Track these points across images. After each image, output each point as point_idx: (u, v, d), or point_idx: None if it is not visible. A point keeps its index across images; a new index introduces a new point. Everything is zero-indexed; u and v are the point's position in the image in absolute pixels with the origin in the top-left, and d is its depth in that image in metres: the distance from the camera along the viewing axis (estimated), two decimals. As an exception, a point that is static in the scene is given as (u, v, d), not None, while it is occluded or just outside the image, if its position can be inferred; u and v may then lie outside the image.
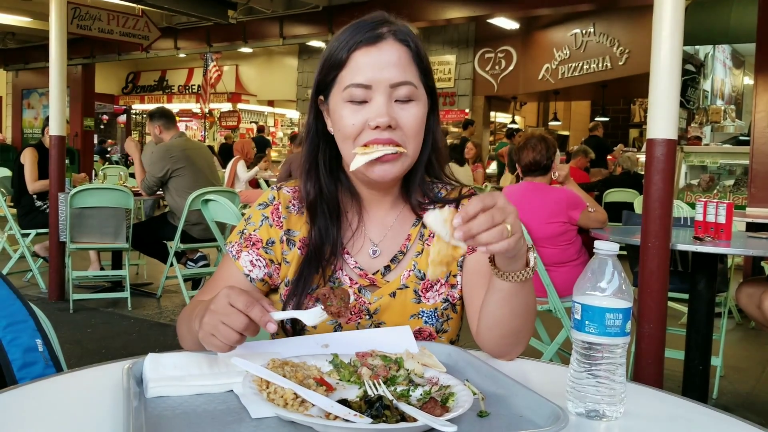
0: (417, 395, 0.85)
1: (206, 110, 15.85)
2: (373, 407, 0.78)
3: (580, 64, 11.31)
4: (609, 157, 9.01)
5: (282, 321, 1.02)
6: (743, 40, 8.87)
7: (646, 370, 2.51)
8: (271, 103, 17.78)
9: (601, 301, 0.84)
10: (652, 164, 2.52)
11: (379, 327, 1.13)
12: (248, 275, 1.14)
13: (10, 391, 0.88)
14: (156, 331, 4.19)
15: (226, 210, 3.62)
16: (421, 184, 1.18)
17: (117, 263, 5.11)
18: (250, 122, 17.05)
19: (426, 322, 1.14)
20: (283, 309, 1.12)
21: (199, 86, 15.79)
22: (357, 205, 1.18)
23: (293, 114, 17.05)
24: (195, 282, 5.00)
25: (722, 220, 2.63)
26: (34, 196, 5.17)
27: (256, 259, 1.14)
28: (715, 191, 6.56)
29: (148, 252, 4.95)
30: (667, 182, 2.52)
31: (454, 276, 1.17)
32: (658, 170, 2.51)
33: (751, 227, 3.97)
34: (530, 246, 0.96)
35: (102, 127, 18.26)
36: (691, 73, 9.95)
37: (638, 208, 4.39)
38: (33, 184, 5.10)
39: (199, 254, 4.95)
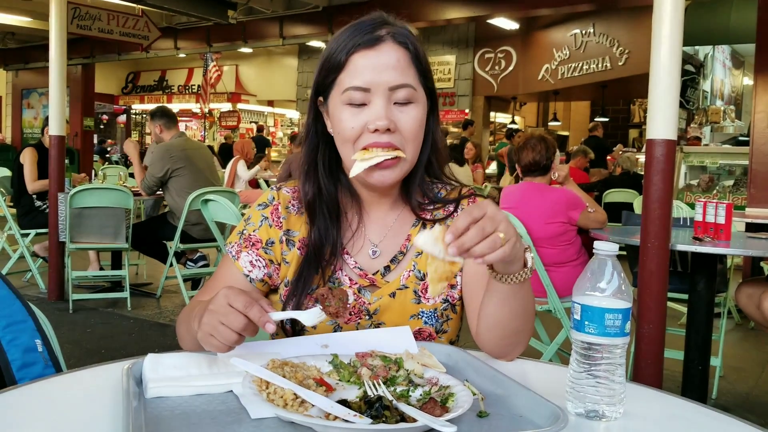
0: (417, 396, 0.85)
1: (206, 110, 15.85)
2: (373, 408, 0.78)
3: (580, 65, 11.31)
4: (608, 157, 9.01)
5: (282, 321, 1.03)
6: (743, 41, 8.88)
7: (645, 370, 2.51)
8: (270, 103, 17.78)
9: (600, 301, 0.84)
10: (652, 164, 2.52)
11: (378, 327, 1.13)
12: (248, 275, 1.14)
13: (9, 392, 0.88)
14: (155, 331, 4.19)
15: (225, 210, 3.62)
16: (421, 184, 1.18)
17: (116, 263, 5.11)
18: (250, 122, 17.06)
19: (426, 323, 1.14)
20: (283, 309, 1.12)
21: (199, 86, 15.79)
22: (357, 205, 1.18)
23: (293, 114, 17.05)
24: (195, 282, 5.00)
25: (722, 220, 2.63)
26: (34, 196, 5.16)
27: (256, 260, 1.14)
28: (715, 192, 6.56)
29: (148, 252, 4.95)
30: (667, 182, 2.52)
31: (454, 276, 1.17)
32: (657, 170, 2.51)
33: (751, 228, 3.97)
34: (527, 247, 0.96)
35: (102, 127, 18.27)
36: (691, 74, 9.96)
37: (638, 209, 4.39)
38: (32, 184, 5.10)
39: (198, 254, 4.95)
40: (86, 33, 9.07)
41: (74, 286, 4.57)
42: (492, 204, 0.87)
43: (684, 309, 3.33)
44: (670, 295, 2.69)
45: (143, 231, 4.74)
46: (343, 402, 0.80)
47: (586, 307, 0.84)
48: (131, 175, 6.66)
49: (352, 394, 0.85)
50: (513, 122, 14.71)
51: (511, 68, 12.34)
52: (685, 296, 2.97)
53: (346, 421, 0.74)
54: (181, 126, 14.08)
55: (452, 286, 1.17)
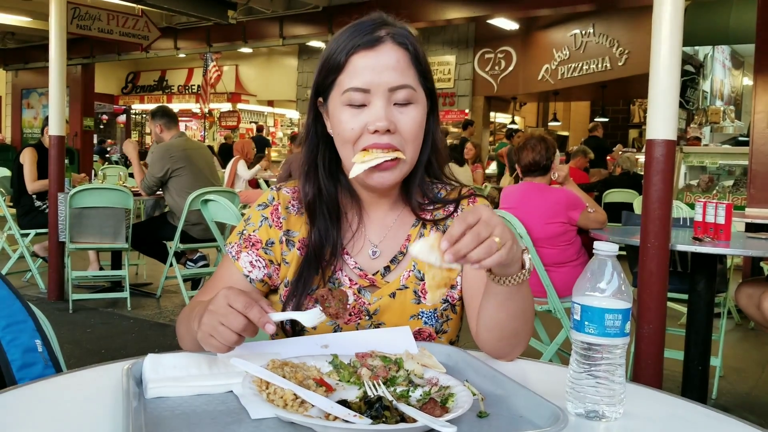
0: (417, 396, 0.85)
1: (206, 110, 15.85)
2: (373, 408, 0.78)
3: (580, 65, 11.31)
4: (608, 157, 9.01)
5: (281, 322, 1.03)
6: (743, 41, 8.88)
7: (645, 370, 2.51)
8: (270, 103, 17.78)
9: (600, 301, 0.84)
10: (652, 165, 2.52)
11: (378, 328, 1.13)
12: (248, 276, 1.14)
13: (9, 392, 0.88)
14: (155, 331, 4.19)
15: (225, 210, 3.62)
16: (421, 184, 1.18)
17: (116, 263, 5.11)
18: (250, 122, 17.06)
19: (426, 323, 1.14)
20: (283, 310, 1.13)
21: (198, 86, 15.79)
22: (357, 206, 1.18)
23: (293, 114, 17.05)
24: (194, 282, 5.00)
25: (721, 220, 2.63)
26: (34, 196, 5.17)
27: (256, 260, 1.14)
28: (715, 192, 6.56)
29: (148, 252, 4.95)
30: (667, 183, 2.52)
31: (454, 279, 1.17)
32: (657, 171, 2.51)
33: (751, 228, 3.97)
34: (524, 248, 0.96)
35: (101, 127, 18.26)
36: (691, 74, 9.96)
37: (638, 209, 4.39)
38: (32, 184, 5.10)
39: (198, 254, 4.95)
40: (86, 33, 9.07)
41: (74, 286, 4.57)
42: (486, 208, 0.87)
43: (684, 309, 3.33)
44: (670, 295, 2.69)
45: (143, 231, 4.74)
46: (343, 402, 0.80)
47: (586, 307, 0.84)
48: (131, 175, 6.67)
49: (352, 394, 0.85)
50: (513, 122, 14.71)
51: (511, 68, 12.34)
52: (685, 296, 2.97)
53: (346, 421, 0.74)
54: (181, 126, 14.10)
55: (452, 287, 1.17)
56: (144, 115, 18.34)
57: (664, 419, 0.87)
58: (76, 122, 12.47)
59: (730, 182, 6.67)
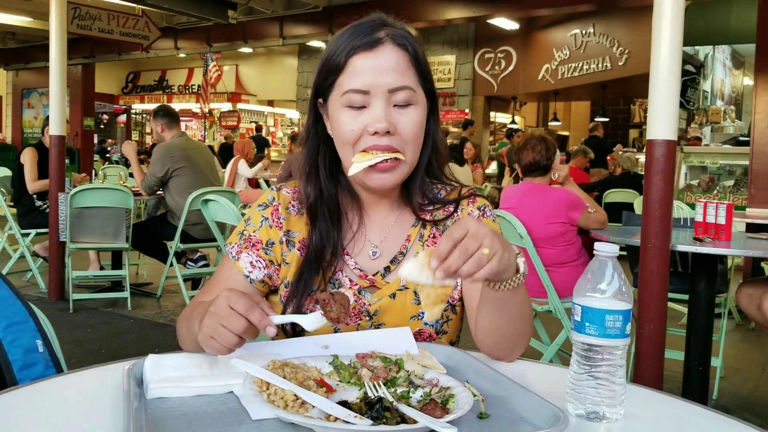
0: (417, 397, 0.85)
1: (206, 110, 15.85)
2: (374, 409, 0.78)
3: (580, 65, 11.31)
4: (609, 157, 9.01)
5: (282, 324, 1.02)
6: (743, 41, 8.88)
7: (645, 371, 2.51)
8: (270, 103, 17.78)
9: (601, 302, 0.84)
10: (652, 165, 2.52)
11: (379, 328, 1.13)
12: (248, 276, 1.14)
13: (10, 392, 0.88)
14: (156, 331, 4.19)
15: (226, 210, 3.62)
16: (421, 185, 1.18)
17: (117, 263, 5.11)
18: (250, 122, 17.05)
19: (426, 324, 1.14)
20: (284, 310, 1.13)
21: (199, 86, 15.79)
22: (357, 206, 1.18)
23: (293, 114, 17.05)
24: (195, 282, 5.00)
25: (722, 220, 2.63)
26: (34, 196, 5.17)
27: (256, 260, 1.14)
28: (715, 192, 6.55)
29: (148, 252, 4.95)
30: (667, 183, 2.52)
31: (453, 290, 1.17)
32: (657, 171, 2.51)
33: (751, 228, 3.97)
34: (518, 253, 0.94)
35: (102, 126, 18.26)
36: (691, 74, 9.96)
37: (638, 209, 4.38)
38: (33, 183, 5.10)
39: (198, 254, 4.95)
40: (86, 33, 9.08)
41: (74, 286, 4.57)
42: (473, 221, 0.86)
43: (684, 309, 3.33)
44: (670, 295, 2.69)
45: (143, 231, 4.75)
46: (344, 403, 0.80)
47: (586, 308, 0.84)
48: (131, 175, 6.67)
49: (353, 395, 0.85)
50: (513, 122, 14.70)
51: (511, 68, 12.33)
52: (686, 297, 2.97)
53: (347, 422, 0.74)
54: (182, 126, 14.09)
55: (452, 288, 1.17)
56: (144, 115, 18.35)
57: (664, 420, 0.87)
58: (77, 122, 12.48)
59: (731, 182, 6.67)
